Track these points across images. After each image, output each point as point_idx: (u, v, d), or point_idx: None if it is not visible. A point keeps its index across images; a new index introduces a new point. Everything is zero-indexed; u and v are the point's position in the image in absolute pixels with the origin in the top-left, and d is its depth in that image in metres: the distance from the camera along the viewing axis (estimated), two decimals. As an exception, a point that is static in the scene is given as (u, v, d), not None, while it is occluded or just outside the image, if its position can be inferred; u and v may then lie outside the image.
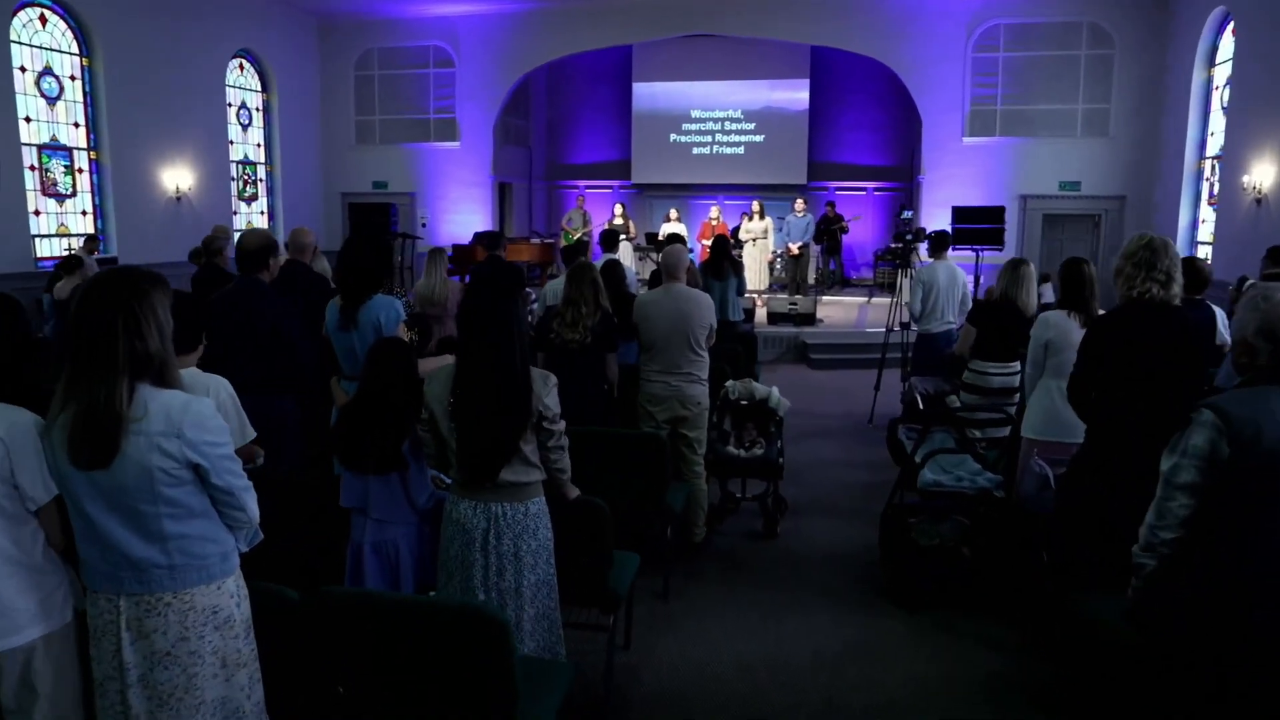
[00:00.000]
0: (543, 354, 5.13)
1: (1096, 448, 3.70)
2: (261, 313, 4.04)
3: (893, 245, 16.15)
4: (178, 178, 12.91)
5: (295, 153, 15.52)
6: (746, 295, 12.76)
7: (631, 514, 4.54)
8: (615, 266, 6.85)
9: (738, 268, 8.75)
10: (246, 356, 4.06)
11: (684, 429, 5.02)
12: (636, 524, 4.70)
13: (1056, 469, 4.43)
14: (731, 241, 15.62)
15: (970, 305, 8.02)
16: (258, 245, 4.07)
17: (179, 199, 12.96)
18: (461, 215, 15.81)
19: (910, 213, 8.40)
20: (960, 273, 7.79)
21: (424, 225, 16.09)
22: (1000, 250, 12.09)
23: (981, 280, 10.96)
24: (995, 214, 11.63)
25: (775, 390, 5.55)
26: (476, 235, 15.04)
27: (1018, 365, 5.75)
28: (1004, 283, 5.61)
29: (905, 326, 8.38)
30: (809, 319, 11.96)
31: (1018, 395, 5.78)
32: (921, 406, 6.10)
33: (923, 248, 8.48)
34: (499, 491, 2.87)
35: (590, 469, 4.46)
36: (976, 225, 11.34)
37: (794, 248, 13.72)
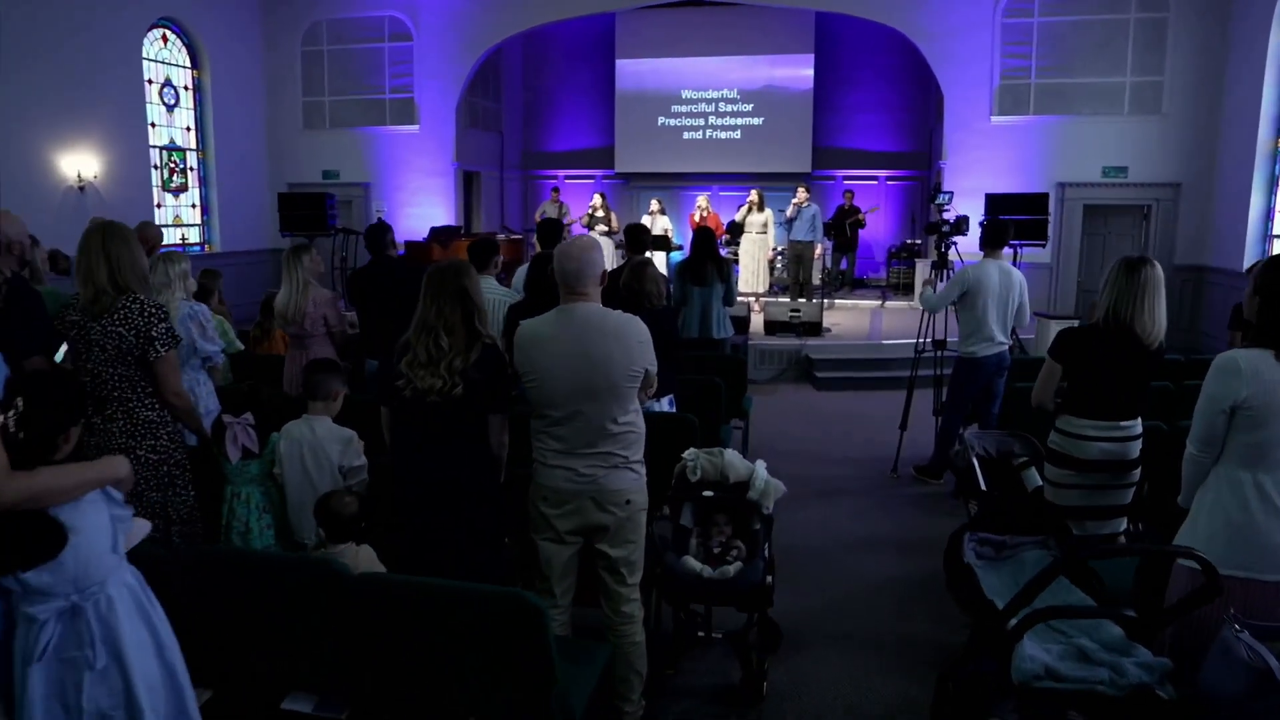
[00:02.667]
0: (389, 410, 3.10)
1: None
2: None
3: (909, 242, 14.08)
4: (80, 164, 10.89)
5: (232, 138, 13.48)
6: (740, 300, 10.76)
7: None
8: (547, 263, 4.84)
9: (724, 270, 6.69)
10: None
11: (604, 544, 2.97)
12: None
13: (1271, 644, 2.39)
14: (726, 236, 13.63)
15: (1028, 319, 5.97)
16: None
17: (81, 188, 10.95)
18: (421, 208, 13.77)
19: (948, 195, 6.34)
20: (1017, 276, 5.74)
21: (380, 220, 14.04)
22: (1043, 246, 10.07)
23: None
24: (1037, 203, 9.59)
25: (760, 468, 3.51)
26: (433, 231, 13.08)
27: (1136, 425, 3.68)
28: (1112, 295, 3.53)
29: (940, 346, 6.32)
30: (814, 329, 9.90)
31: (1135, 472, 3.72)
32: (982, 483, 4.06)
33: (964, 241, 6.40)
34: None
35: (424, 649, 2.43)
36: (1014, 216, 9.30)
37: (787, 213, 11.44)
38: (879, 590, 4.44)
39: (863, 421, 7.90)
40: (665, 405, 4.88)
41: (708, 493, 3.39)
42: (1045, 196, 9.44)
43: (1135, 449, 3.61)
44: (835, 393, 9.03)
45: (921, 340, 6.44)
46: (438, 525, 2.95)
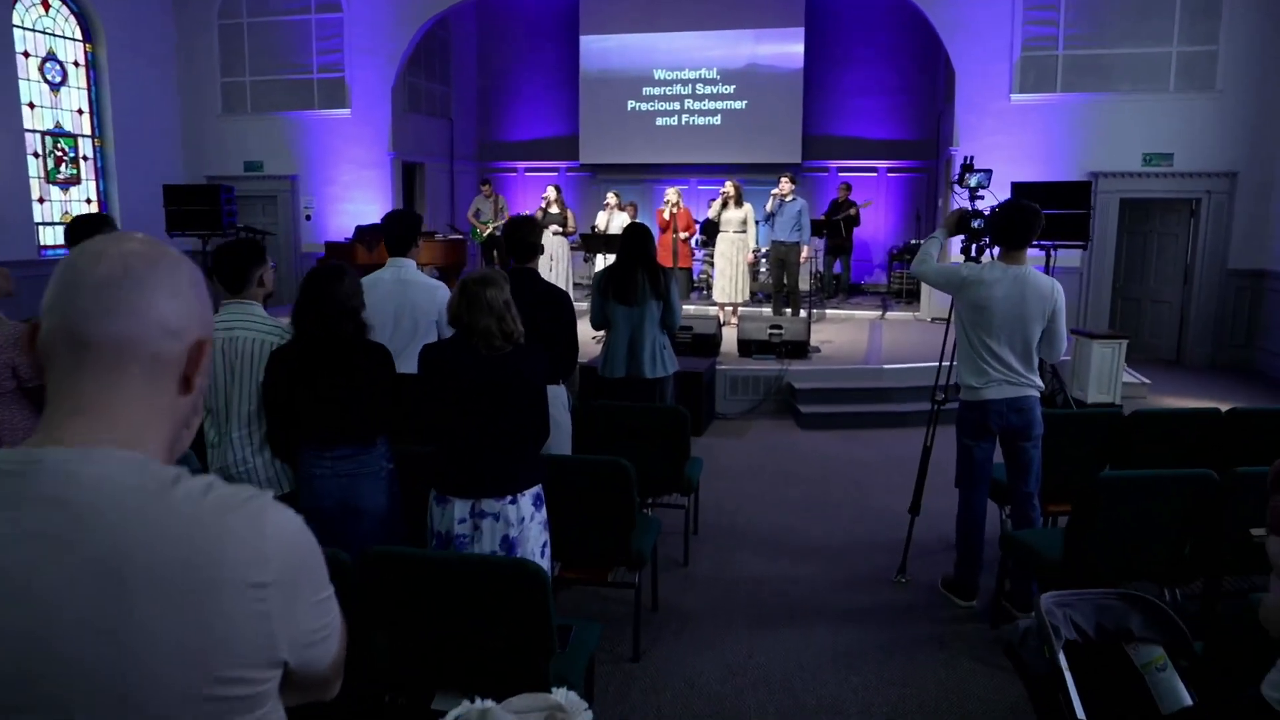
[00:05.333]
0: None
1: None
2: None
3: (914, 242, 12.07)
4: (-75, 150, 8.97)
5: (137, 124, 11.51)
6: (710, 315, 8.78)
7: None
8: (337, 281, 3.00)
9: (661, 282, 4.71)
10: None
11: None
12: None
13: None
14: (702, 237, 11.66)
15: (1063, 349, 3.95)
16: None
17: (-72, 179, 9.01)
18: (354, 204, 11.81)
19: (984, 175, 4.26)
20: (1045, 291, 3.79)
21: (308, 218, 12.12)
22: (1083, 247, 8.07)
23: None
24: (1076, 194, 7.58)
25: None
26: (358, 231, 11.10)
27: None
28: None
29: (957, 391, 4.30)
30: (799, 350, 7.91)
31: None
32: (1079, 708, 2.10)
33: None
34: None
35: None
36: (1047, 211, 7.29)
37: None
38: None
39: (857, 476, 5.92)
40: (528, 505, 2.92)
41: None
42: (1087, 186, 7.43)
43: None
44: (823, 432, 7.05)
45: (942, 368, 4.44)
46: None
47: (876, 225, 12.89)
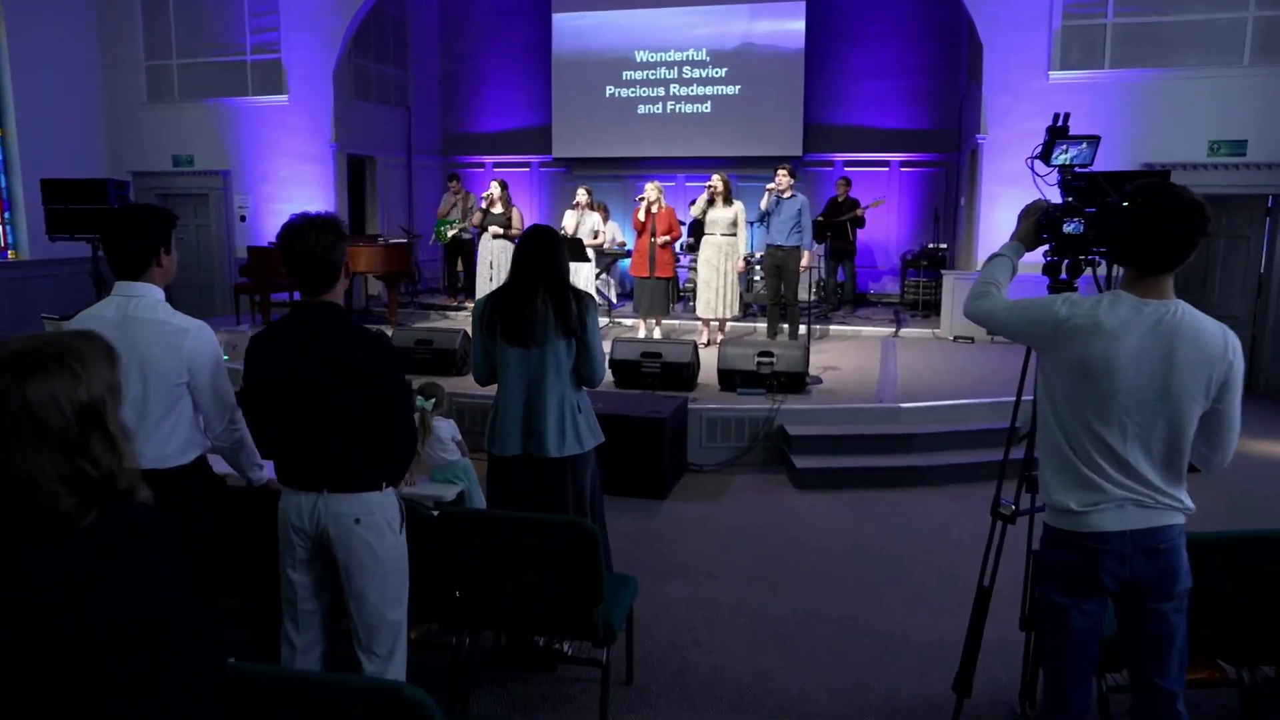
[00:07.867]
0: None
1: None
2: None
3: (930, 247, 10.34)
4: None
5: (45, 111, 9.97)
6: (688, 336, 7.13)
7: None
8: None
9: (570, 313, 3.06)
10: None
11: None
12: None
13: None
14: (690, 240, 10.01)
15: (1230, 452, 2.20)
16: None
17: None
18: (293, 204, 10.06)
19: (1080, 152, 2.59)
20: (1210, 341, 2.04)
21: (243, 219, 10.55)
22: (1158, 256, 6.31)
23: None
24: (1147, 187, 5.87)
25: None
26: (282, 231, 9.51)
27: None
28: None
29: (1033, 511, 2.62)
30: (795, 383, 6.23)
31: None
32: None
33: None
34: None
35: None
36: (1109, 209, 5.61)
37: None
38: None
39: (869, 572, 4.26)
40: None
41: None
42: (1166, 177, 5.74)
43: None
44: (824, 494, 5.39)
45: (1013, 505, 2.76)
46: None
47: (889, 227, 11.19)
